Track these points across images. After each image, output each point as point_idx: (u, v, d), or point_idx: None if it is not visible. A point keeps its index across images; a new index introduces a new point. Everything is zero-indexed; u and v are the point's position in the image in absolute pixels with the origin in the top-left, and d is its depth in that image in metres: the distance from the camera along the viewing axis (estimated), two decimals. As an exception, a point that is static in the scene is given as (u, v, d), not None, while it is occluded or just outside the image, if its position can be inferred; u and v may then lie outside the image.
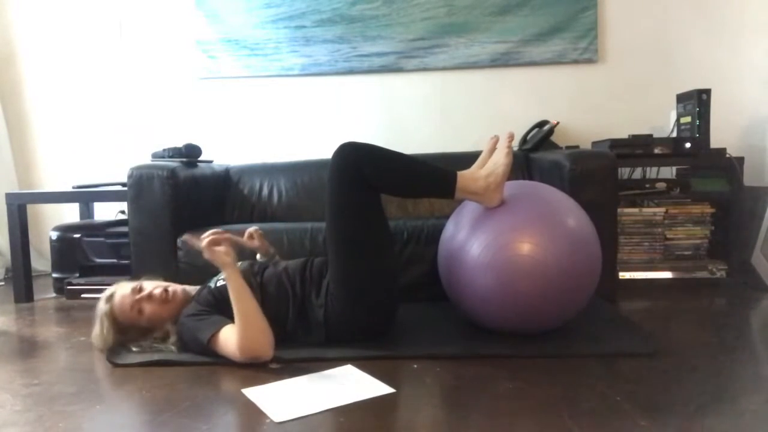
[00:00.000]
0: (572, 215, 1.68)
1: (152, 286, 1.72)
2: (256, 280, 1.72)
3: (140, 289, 1.70)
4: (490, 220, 1.66)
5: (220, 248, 1.57)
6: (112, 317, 1.69)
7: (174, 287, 1.74)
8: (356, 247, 1.65)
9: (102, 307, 1.71)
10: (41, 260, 3.36)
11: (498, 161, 1.66)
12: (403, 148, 3.03)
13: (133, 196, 2.28)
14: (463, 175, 1.65)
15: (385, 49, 3.17)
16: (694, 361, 1.53)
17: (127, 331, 1.71)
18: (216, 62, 3.27)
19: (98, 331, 1.69)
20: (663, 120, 3.03)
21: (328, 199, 1.66)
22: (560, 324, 1.72)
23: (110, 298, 1.71)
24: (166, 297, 1.69)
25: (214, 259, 1.56)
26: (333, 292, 1.66)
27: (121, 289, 1.72)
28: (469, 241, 1.67)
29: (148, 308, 1.69)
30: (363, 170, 1.59)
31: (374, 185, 1.63)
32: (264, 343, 1.51)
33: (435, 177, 1.65)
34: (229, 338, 1.53)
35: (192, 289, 1.79)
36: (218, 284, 1.72)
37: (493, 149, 1.75)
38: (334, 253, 1.68)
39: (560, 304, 1.63)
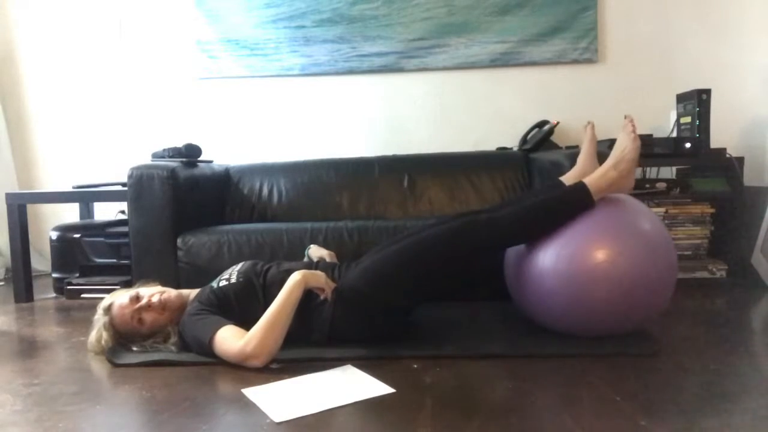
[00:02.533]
0: (647, 221, 1.66)
1: (149, 293, 1.71)
2: (258, 281, 1.72)
3: (138, 298, 1.69)
4: (566, 228, 1.64)
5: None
6: (112, 328, 1.69)
7: (168, 293, 1.73)
8: (414, 278, 1.67)
9: (100, 317, 1.70)
10: (41, 260, 3.36)
11: (625, 147, 1.66)
12: (403, 148, 3.08)
13: (133, 196, 2.28)
14: (592, 179, 1.66)
15: (385, 49, 3.17)
16: (695, 361, 1.52)
17: (128, 339, 1.71)
18: (216, 62, 3.27)
19: (95, 339, 1.69)
20: (663, 120, 3.03)
21: (433, 236, 1.65)
22: (634, 327, 1.71)
23: (108, 308, 1.71)
24: (164, 304, 1.69)
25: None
26: (351, 293, 1.65)
27: (119, 299, 1.71)
28: (544, 249, 1.66)
29: (148, 317, 1.68)
30: (497, 245, 1.73)
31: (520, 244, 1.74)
32: (269, 351, 1.51)
33: (570, 202, 1.66)
34: (226, 338, 1.53)
35: (187, 292, 1.79)
36: (220, 284, 1.72)
37: (592, 138, 1.80)
38: (388, 268, 1.67)
39: (636, 310, 1.62)
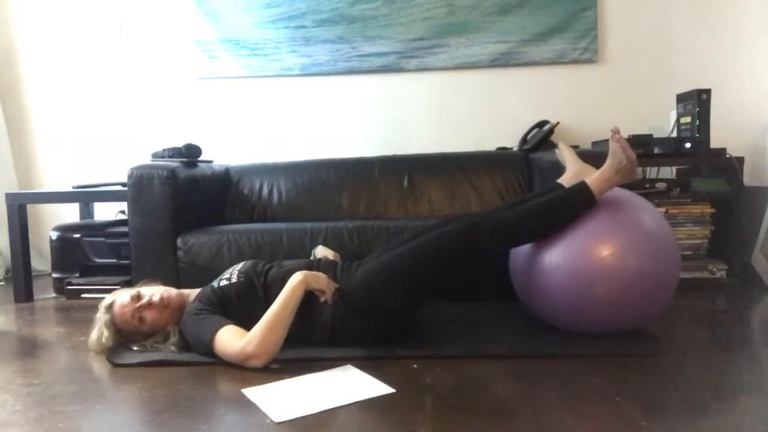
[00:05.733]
0: (650, 218, 1.68)
1: (150, 292, 1.71)
2: (259, 281, 1.72)
3: (139, 297, 1.70)
4: (571, 226, 1.66)
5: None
6: (114, 326, 1.69)
7: (169, 292, 1.73)
8: (417, 284, 1.67)
9: (102, 316, 1.70)
10: (41, 260, 3.36)
11: (621, 160, 1.64)
12: (403, 148, 3.08)
13: (133, 196, 2.28)
14: (593, 180, 1.67)
15: (385, 49, 3.17)
16: (695, 361, 1.53)
17: (129, 338, 1.71)
18: (216, 62, 3.27)
19: (96, 338, 1.69)
20: (663, 120, 3.03)
21: (429, 249, 1.64)
22: (639, 324, 1.72)
23: (110, 307, 1.71)
24: (165, 303, 1.69)
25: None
26: (354, 295, 1.66)
27: (120, 298, 1.71)
28: (550, 246, 1.67)
29: (149, 316, 1.68)
30: (499, 247, 1.73)
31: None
32: (270, 351, 1.51)
33: (573, 201, 1.68)
34: (227, 339, 1.53)
35: (188, 292, 1.79)
36: (221, 284, 1.72)
37: (566, 150, 1.90)
38: (389, 273, 1.67)
39: (640, 306, 1.64)
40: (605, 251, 1.59)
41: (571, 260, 1.62)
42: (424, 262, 1.64)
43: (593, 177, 1.68)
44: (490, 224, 1.65)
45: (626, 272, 1.59)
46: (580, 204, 1.67)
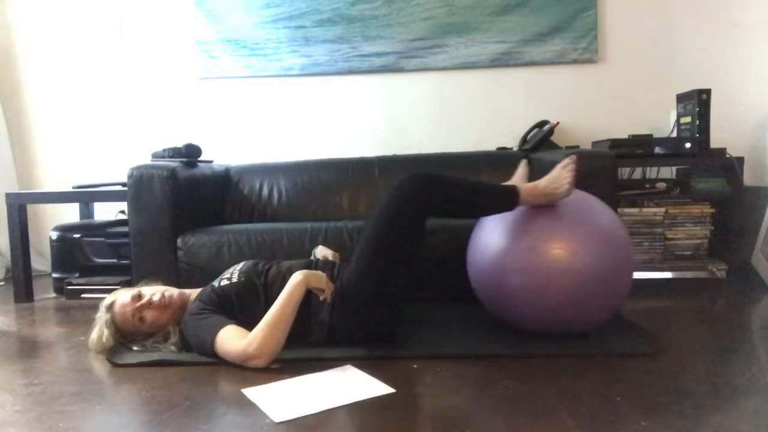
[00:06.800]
0: (604, 217, 1.70)
1: (151, 292, 1.71)
2: (260, 280, 1.72)
3: (140, 296, 1.70)
4: (523, 224, 1.68)
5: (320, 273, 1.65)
6: (114, 326, 1.69)
7: (170, 291, 1.73)
8: (392, 260, 1.66)
9: (102, 315, 1.71)
10: (41, 260, 3.36)
11: (560, 186, 1.67)
12: (403, 148, 3.08)
13: (133, 196, 2.28)
14: (525, 190, 1.70)
15: (385, 49, 3.17)
16: (695, 361, 1.53)
17: (129, 338, 1.71)
18: (216, 62, 3.27)
19: (96, 337, 1.69)
20: (663, 120, 3.03)
21: (384, 215, 1.65)
22: (596, 325, 1.73)
23: (110, 306, 1.71)
24: (166, 303, 1.69)
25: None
26: (347, 292, 1.66)
27: (121, 297, 1.71)
28: (502, 244, 1.69)
29: (149, 315, 1.68)
30: (432, 204, 1.64)
31: (441, 215, 1.71)
32: (271, 351, 1.51)
33: (499, 195, 1.70)
34: (228, 339, 1.53)
35: (189, 292, 1.79)
36: (222, 283, 1.72)
37: (523, 174, 1.91)
38: (366, 257, 1.67)
39: (594, 304, 1.65)
40: (558, 249, 1.60)
41: (524, 258, 1.63)
42: (388, 233, 1.64)
43: (526, 187, 1.71)
44: (423, 176, 1.63)
45: (578, 269, 1.60)
46: (504, 200, 1.69)
